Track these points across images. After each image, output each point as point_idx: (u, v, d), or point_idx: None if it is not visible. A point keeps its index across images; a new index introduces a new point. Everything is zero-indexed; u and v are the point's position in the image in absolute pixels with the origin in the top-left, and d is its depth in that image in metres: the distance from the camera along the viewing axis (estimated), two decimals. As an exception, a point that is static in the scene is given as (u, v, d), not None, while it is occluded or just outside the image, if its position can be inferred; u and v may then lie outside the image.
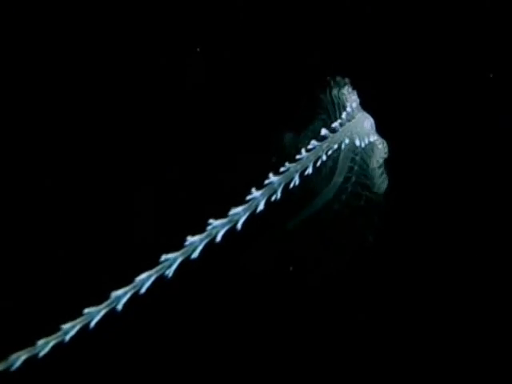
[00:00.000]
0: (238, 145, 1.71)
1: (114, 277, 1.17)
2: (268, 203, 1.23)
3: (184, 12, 1.73)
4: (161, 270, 1.15)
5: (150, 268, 1.15)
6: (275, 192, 1.24)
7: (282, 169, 1.26)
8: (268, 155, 1.55)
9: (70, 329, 1.12)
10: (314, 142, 1.35)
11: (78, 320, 1.13)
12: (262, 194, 1.22)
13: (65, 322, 1.13)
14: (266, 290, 1.68)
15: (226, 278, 1.66)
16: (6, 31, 1.69)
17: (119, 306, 1.13)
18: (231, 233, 1.21)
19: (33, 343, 1.11)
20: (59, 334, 1.12)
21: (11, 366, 1.11)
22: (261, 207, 1.21)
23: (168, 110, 1.74)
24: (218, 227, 1.19)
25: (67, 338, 1.12)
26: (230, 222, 1.19)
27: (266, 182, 1.24)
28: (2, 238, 1.63)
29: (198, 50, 1.72)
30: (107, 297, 1.13)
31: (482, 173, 1.74)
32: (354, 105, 1.48)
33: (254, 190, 1.23)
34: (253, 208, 1.20)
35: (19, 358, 1.11)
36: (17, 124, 1.70)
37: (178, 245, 1.18)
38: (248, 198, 1.22)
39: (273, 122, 1.70)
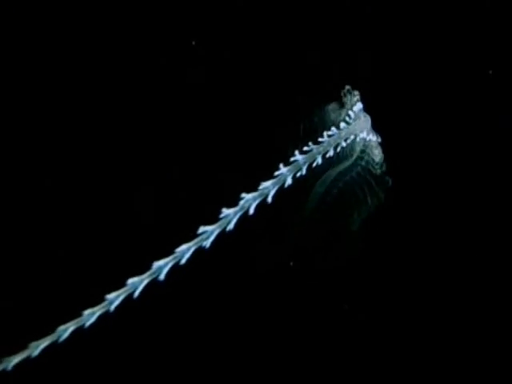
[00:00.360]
0: (238, 145, 1.77)
1: (113, 277, 1.22)
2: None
3: (184, 12, 1.79)
4: (199, 241, 1.24)
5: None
6: (300, 169, 1.35)
7: (305, 148, 1.37)
8: (268, 156, 1.61)
9: (115, 298, 1.18)
10: (333, 129, 1.47)
11: (122, 290, 1.19)
12: (288, 170, 1.32)
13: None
14: (267, 288, 1.73)
15: (228, 276, 1.71)
16: (5, 31, 1.73)
17: (162, 276, 1.21)
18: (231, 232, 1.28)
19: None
20: (104, 304, 1.18)
21: (59, 338, 1.17)
22: (288, 182, 1.31)
23: (168, 110, 1.79)
24: (249, 200, 1.28)
25: (112, 307, 1.18)
26: (260, 195, 1.29)
27: (292, 159, 1.35)
28: (2, 238, 1.66)
29: (194, 43, 1.77)
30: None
31: (481, 173, 1.81)
32: (359, 105, 1.61)
33: (281, 165, 1.33)
34: (281, 183, 1.30)
35: (67, 329, 1.17)
36: (17, 124, 1.72)
37: (178, 244, 1.25)
38: (276, 173, 1.32)
39: (273, 123, 1.76)
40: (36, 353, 1.15)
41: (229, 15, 1.80)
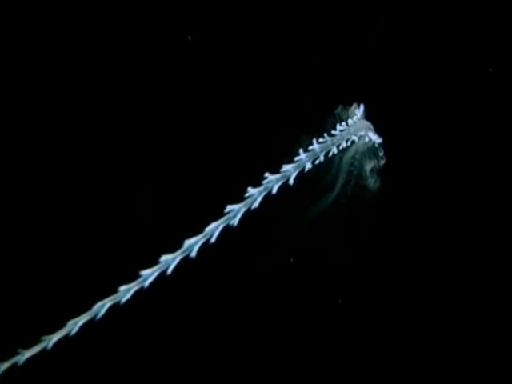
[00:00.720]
0: (238, 146, 1.80)
1: (113, 277, 1.27)
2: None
3: (183, 11, 1.83)
4: (227, 220, 1.31)
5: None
6: (318, 157, 1.46)
7: (321, 140, 1.47)
8: (267, 158, 1.66)
9: (149, 275, 1.25)
10: (344, 124, 1.58)
11: (156, 267, 1.26)
12: (307, 156, 1.42)
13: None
14: (267, 286, 1.78)
15: (229, 273, 1.76)
16: (5, 31, 1.75)
17: (193, 253, 1.28)
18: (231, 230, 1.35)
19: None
20: (139, 280, 1.24)
21: (96, 315, 1.22)
22: (308, 166, 1.40)
23: (168, 110, 1.82)
24: (272, 181, 1.36)
25: (146, 284, 1.25)
26: (283, 177, 1.38)
27: (310, 148, 1.45)
28: (2, 238, 1.68)
29: (190, 38, 1.81)
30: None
31: (481, 177, 1.87)
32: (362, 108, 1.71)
33: (301, 151, 1.43)
34: (300, 168, 1.40)
35: (104, 306, 1.23)
36: (17, 124, 1.74)
37: (178, 245, 1.31)
38: (296, 159, 1.42)
39: (272, 123, 1.81)
40: (75, 330, 1.21)
41: (228, 14, 1.85)
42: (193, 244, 1.27)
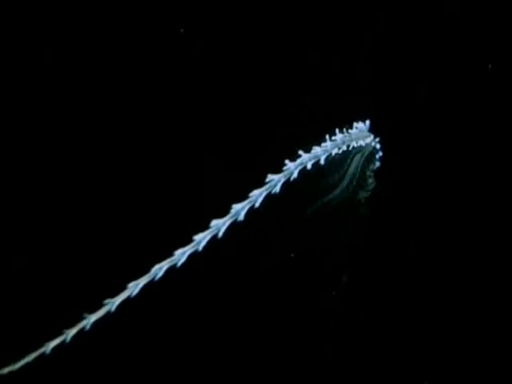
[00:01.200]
0: (238, 147, 1.88)
1: (112, 279, 1.29)
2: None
3: (182, 11, 1.90)
4: (269, 188, 1.40)
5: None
6: (340, 148, 1.57)
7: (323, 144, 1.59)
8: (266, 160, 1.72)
9: (202, 239, 1.31)
10: (356, 125, 1.71)
11: (207, 231, 1.32)
12: (332, 145, 1.54)
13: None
14: (268, 284, 1.80)
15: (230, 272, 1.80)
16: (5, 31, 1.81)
17: (241, 217, 1.35)
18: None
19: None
20: (193, 244, 1.31)
21: (155, 276, 1.27)
22: (335, 151, 1.52)
23: (168, 110, 1.87)
24: (305, 160, 1.47)
25: (200, 247, 1.31)
26: (314, 157, 1.49)
27: (333, 138, 1.57)
28: (1, 238, 1.70)
29: (182, 30, 1.87)
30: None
31: (481, 184, 1.94)
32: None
33: (327, 137, 1.54)
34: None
35: (161, 268, 1.28)
36: (16, 124, 1.78)
37: (178, 245, 1.33)
38: (323, 144, 1.53)
39: (271, 124, 1.89)
40: (135, 292, 1.25)
41: (228, 14, 1.91)
42: (240, 209, 1.34)
